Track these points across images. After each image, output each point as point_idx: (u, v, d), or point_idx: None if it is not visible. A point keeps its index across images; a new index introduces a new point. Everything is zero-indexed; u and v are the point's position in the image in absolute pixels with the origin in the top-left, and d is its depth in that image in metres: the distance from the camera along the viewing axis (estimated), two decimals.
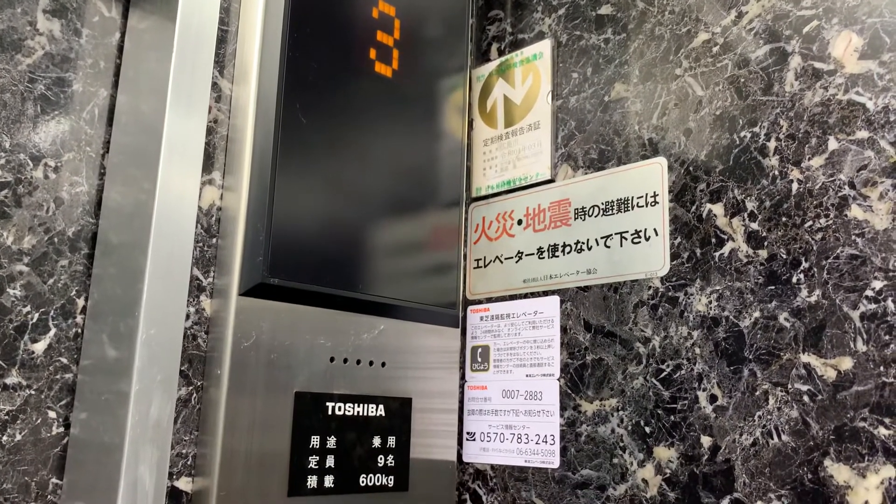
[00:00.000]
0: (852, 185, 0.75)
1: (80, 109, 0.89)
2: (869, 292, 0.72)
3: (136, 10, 0.94)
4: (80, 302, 0.86)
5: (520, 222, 1.04)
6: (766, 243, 0.80)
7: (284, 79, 0.86)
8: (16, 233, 0.83)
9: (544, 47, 1.05)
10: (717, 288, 0.83)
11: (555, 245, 0.99)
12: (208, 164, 0.85)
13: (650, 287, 0.89)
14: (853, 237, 0.74)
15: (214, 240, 0.85)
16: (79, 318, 0.86)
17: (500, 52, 1.13)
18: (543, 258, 1.00)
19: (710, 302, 0.83)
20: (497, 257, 1.06)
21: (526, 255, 1.02)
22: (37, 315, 0.83)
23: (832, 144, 0.77)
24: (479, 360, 1.03)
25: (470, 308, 1.07)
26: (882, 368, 0.70)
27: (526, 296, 1.01)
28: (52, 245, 0.85)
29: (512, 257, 1.04)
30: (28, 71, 0.86)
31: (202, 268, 0.83)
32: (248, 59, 0.88)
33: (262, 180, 0.83)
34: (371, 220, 0.94)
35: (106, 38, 0.92)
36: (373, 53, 0.96)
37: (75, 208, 0.88)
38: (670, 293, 0.87)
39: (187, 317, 0.80)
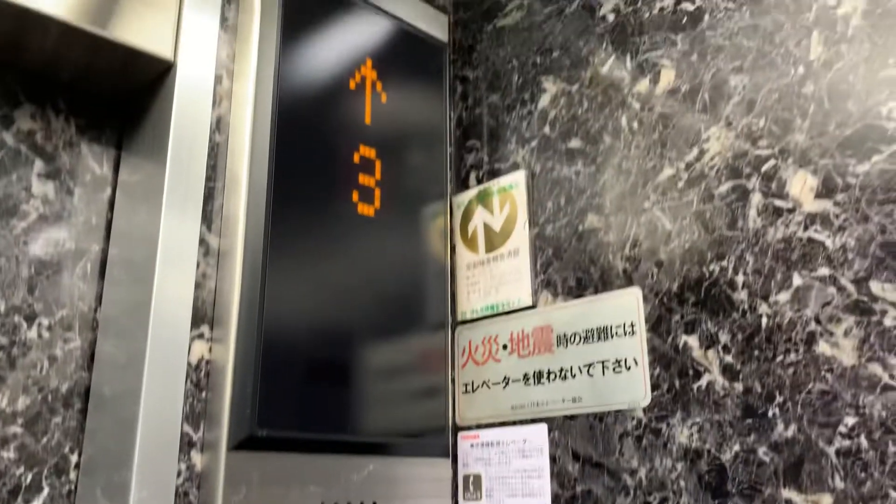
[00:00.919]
0: (818, 321, 0.77)
1: (73, 266, 0.93)
2: (842, 428, 0.74)
3: (127, 165, 0.98)
4: (74, 458, 0.87)
5: (505, 347, 1.06)
6: (741, 376, 0.82)
7: (270, 230, 0.89)
8: (10, 395, 0.85)
9: (519, 178, 1.10)
10: (698, 420, 0.84)
11: (540, 371, 1.01)
12: (197, 317, 0.88)
13: (633, 417, 0.90)
14: (823, 373, 0.76)
15: (204, 393, 0.87)
16: (72, 475, 0.87)
17: (479, 180, 1.17)
18: (530, 384, 1.02)
19: (692, 434, 0.85)
20: (484, 382, 1.07)
21: (513, 381, 1.04)
22: (30, 476, 0.84)
23: (797, 280, 0.80)
24: (472, 489, 1.04)
25: (460, 434, 1.08)
26: None
27: (515, 423, 1.02)
28: (45, 403, 0.87)
29: (499, 383, 1.06)
30: (23, 234, 0.90)
31: (192, 423, 0.85)
32: (235, 214, 0.92)
33: (249, 332, 0.86)
34: (359, 355, 0.96)
35: (98, 195, 0.96)
36: (355, 196, 1.00)
37: (69, 364, 0.90)
38: (653, 424, 0.88)
39: (179, 473, 0.82)
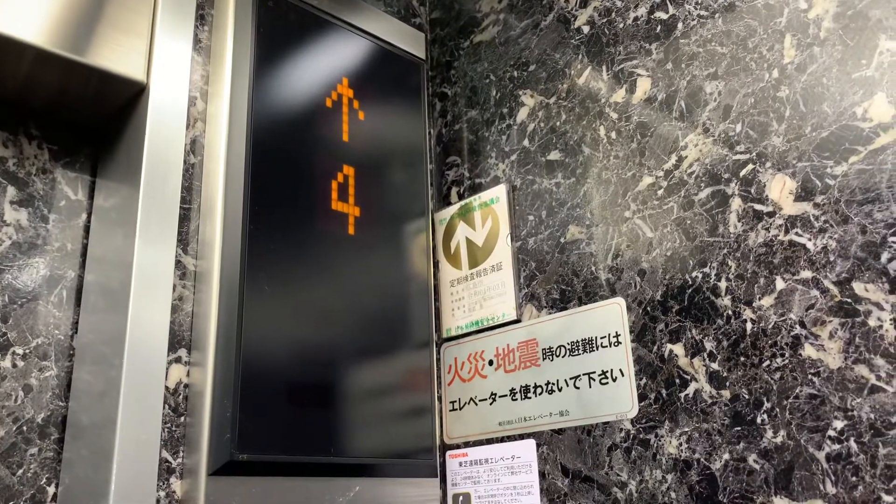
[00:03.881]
0: (803, 325, 0.77)
1: (49, 293, 0.91)
2: (831, 432, 0.73)
3: (102, 190, 0.97)
4: (51, 490, 0.85)
5: (491, 363, 1.05)
6: (727, 383, 0.81)
7: (247, 252, 0.88)
8: None
9: (500, 192, 1.09)
10: (686, 429, 0.83)
11: (526, 386, 1.00)
12: (175, 341, 0.86)
13: (622, 429, 0.89)
14: (810, 377, 0.75)
15: (182, 418, 0.85)
16: None
17: (460, 196, 1.16)
18: (516, 399, 1.00)
19: (681, 444, 0.83)
20: (471, 399, 1.06)
21: (499, 397, 1.03)
22: None
23: (780, 284, 0.79)
24: None
25: (448, 453, 1.06)
26: None
27: (502, 439, 1.01)
28: (21, 434, 0.85)
29: (486, 399, 1.04)
30: None
31: (171, 449, 0.83)
32: (211, 236, 0.90)
33: (227, 355, 0.84)
34: (342, 376, 0.95)
35: (73, 220, 0.95)
36: (335, 216, 0.99)
37: (44, 393, 0.88)
38: (641, 435, 0.87)
39: (157, 501, 0.80)
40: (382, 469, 0.96)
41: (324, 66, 1.05)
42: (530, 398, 0.99)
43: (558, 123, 1.05)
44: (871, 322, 0.72)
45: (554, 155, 1.05)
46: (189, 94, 0.95)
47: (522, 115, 1.11)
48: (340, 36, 1.10)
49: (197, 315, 0.89)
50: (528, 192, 1.07)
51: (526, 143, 1.09)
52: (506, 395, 1.02)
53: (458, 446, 1.06)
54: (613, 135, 0.98)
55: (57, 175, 0.95)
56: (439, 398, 1.09)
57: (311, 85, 1.03)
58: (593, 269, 0.96)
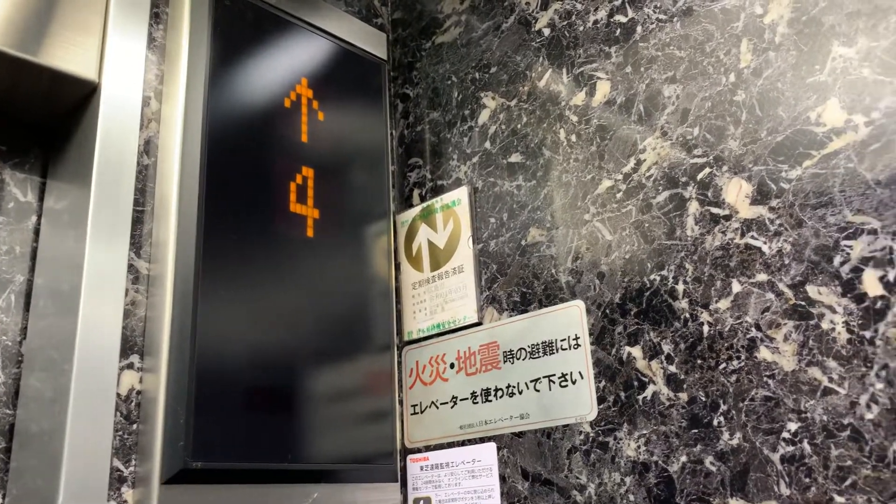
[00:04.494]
0: (758, 327, 0.77)
1: None
2: (785, 434, 0.73)
3: (53, 192, 0.94)
4: None
5: (452, 366, 1.04)
6: (685, 386, 0.81)
7: (202, 255, 0.86)
8: None
9: (462, 193, 1.09)
10: (645, 432, 0.83)
11: (487, 389, 0.99)
12: (127, 347, 0.84)
13: (581, 432, 0.89)
14: (765, 379, 0.76)
15: (135, 426, 0.83)
16: None
17: (422, 198, 1.16)
18: (478, 402, 1.00)
19: (639, 446, 0.83)
20: (433, 402, 1.05)
21: (461, 400, 1.02)
22: None
23: (736, 287, 0.80)
24: None
25: (409, 457, 1.05)
26: None
27: (463, 443, 1.00)
28: None
29: (447, 402, 1.03)
30: None
31: (122, 457, 0.81)
32: (165, 238, 0.88)
33: (181, 360, 0.83)
34: (300, 380, 0.93)
35: (22, 223, 0.92)
36: (293, 218, 0.98)
37: None
38: (601, 438, 0.87)
39: None
40: (342, 475, 0.95)
41: (282, 65, 1.04)
42: (491, 401, 0.99)
43: (519, 126, 1.05)
44: (825, 325, 0.73)
45: (515, 157, 1.05)
46: (143, 93, 0.93)
47: (484, 117, 1.10)
48: (300, 35, 1.08)
49: (150, 319, 0.87)
50: (490, 195, 1.06)
51: (487, 145, 1.09)
52: (467, 399, 1.01)
53: (419, 450, 1.05)
54: (573, 138, 0.98)
55: (5, 176, 0.92)
56: (400, 402, 1.09)
57: (269, 85, 1.01)
58: (553, 271, 0.96)
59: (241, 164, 0.94)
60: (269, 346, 0.91)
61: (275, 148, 0.99)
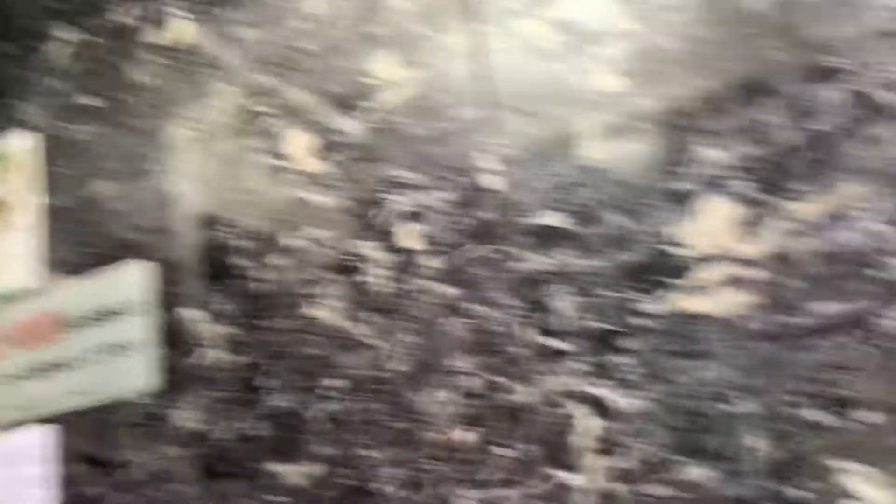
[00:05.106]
0: (309, 283, 0.75)
1: None
2: (333, 393, 0.72)
3: None
4: None
5: (7, 339, 0.90)
6: (244, 349, 0.77)
7: None
8: None
9: (25, 141, 0.93)
10: (203, 401, 0.78)
11: (45, 364, 0.87)
12: None
13: (139, 404, 0.81)
14: (315, 337, 0.73)
15: None
16: None
17: None
18: (34, 379, 0.87)
19: (197, 416, 0.78)
20: None
21: (17, 379, 0.88)
22: None
23: (289, 242, 0.76)
24: None
25: None
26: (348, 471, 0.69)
27: (18, 426, 0.87)
28: None
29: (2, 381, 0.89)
30: None
31: None
32: None
33: None
34: None
35: None
36: None
37: None
38: (161, 411, 0.80)
39: None
40: None
41: None
42: (50, 377, 0.86)
43: (93, 65, 0.93)
44: (368, 279, 0.72)
45: (87, 100, 0.92)
46: None
47: (58, 51, 0.96)
48: None
49: None
50: (59, 142, 0.93)
51: (59, 84, 0.94)
52: (24, 377, 0.88)
53: None
54: (147, 80, 0.88)
55: None
56: None
57: None
58: (117, 228, 0.86)
59: None
60: None
61: None
